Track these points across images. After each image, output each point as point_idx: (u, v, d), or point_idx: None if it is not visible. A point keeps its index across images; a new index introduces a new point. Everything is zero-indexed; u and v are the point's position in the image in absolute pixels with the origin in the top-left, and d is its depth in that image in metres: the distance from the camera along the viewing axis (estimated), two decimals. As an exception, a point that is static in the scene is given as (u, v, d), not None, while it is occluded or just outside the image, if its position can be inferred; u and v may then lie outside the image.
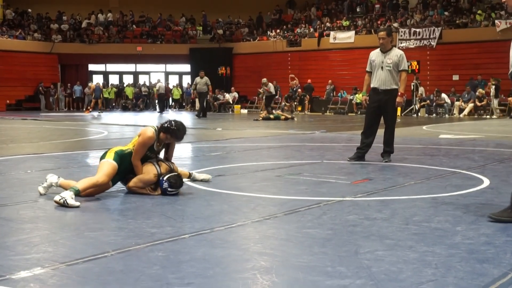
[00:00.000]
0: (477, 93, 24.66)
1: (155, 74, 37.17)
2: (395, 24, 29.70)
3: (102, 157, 5.48)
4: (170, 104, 35.67)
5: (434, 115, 24.93)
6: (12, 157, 8.75)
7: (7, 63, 32.70)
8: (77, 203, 4.80)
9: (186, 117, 23.43)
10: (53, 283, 2.95)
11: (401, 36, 28.48)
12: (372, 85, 8.17)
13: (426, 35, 28.10)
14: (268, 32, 35.14)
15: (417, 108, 25.91)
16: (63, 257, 3.37)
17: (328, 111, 28.77)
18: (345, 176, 6.75)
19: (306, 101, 29.27)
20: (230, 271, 3.18)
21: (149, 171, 5.45)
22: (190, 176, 6.23)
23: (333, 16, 34.28)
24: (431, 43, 27.92)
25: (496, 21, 26.49)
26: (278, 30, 34.70)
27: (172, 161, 5.81)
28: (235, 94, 32.22)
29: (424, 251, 3.50)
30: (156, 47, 36.07)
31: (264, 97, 24.07)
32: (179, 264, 3.25)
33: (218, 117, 24.71)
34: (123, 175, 5.53)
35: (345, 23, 32.26)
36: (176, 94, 34.93)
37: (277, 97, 31.19)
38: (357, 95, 27.85)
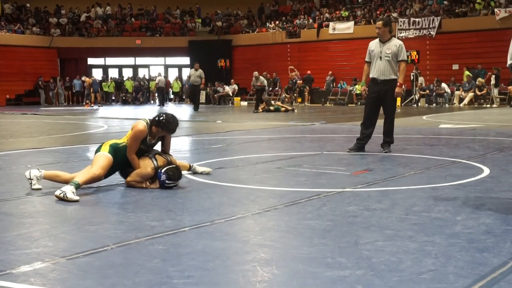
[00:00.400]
0: (477, 82, 24.64)
1: (154, 67, 37.14)
2: (394, 14, 29.65)
3: (97, 150, 5.48)
4: (170, 97, 35.65)
5: (434, 105, 24.91)
6: (12, 152, 8.76)
7: (6, 57, 32.67)
8: (77, 197, 4.81)
9: (185, 110, 23.42)
10: (53, 277, 2.96)
11: (401, 26, 28.43)
12: (371, 76, 8.16)
13: (425, 25, 28.04)
14: (267, 24, 35.08)
15: (417, 98, 25.89)
16: (63, 251, 3.38)
17: (328, 102, 28.75)
18: (345, 167, 6.75)
19: (306, 93, 29.25)
20: (230, 264, 3.19)
21: (146, 165, 5.44)
22: (190, 169, 6.23)
23: (332, 6, 34.20)
24: (431, 32, 27.87)
25: (496, 10, 26.44)
26: (277, 22, 34.63)
27: (170, 153, 5.81)
28: (235, 87, 32.17)
29: (424, 241, 3.51)
30: (155, 40, 36.02)
31: (256, 90, 23.70)
32: (179, 257, 3.26)
33: (217, 110, 24.71)
34: (117, 168, 5.54)
35: (344, 13, 32.18)
36: (176, 87, 34.90)
37: (277, 88, 31.21)
38: (356, 86, 27.82)
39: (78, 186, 4.97)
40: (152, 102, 32.73)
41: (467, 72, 25.39)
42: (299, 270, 3.02)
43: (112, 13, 37.57)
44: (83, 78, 31.93)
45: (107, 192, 5.32)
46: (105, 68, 37.78)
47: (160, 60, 37.67)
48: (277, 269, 3.03)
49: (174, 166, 5.43)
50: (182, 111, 22.55)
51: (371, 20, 29.70)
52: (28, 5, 36.94)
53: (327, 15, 32.95)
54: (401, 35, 27.63)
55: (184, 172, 6.19)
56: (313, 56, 32.05)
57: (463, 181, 5.65)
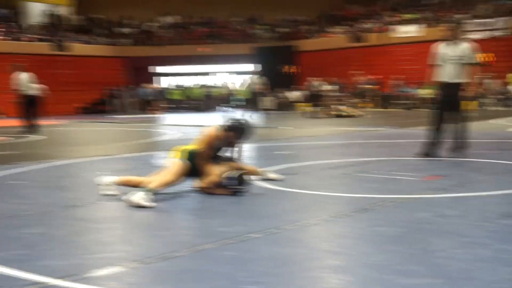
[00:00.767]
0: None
1: (219, 75, 37.56)
2: (463, 15, 28.94)
3: (171, 156, 5.58)
4: (235, 103, 35.91)
5: (505, 107, 24.14)
6: (84, 159, 9.02)
7: (77, 67, 33.78)
8: (149, 204, 4.90)
9: (252, 116, 23.49)
10: (127, 281, 3.03)
11: (470, 27, 27.71)
12: (441, 79, 7.97)
13: (495, 26, 27.24)
14: (331, 29, 34.90)
15: (487, 102, 25.16)
16: (137, 256, 3.45)
17: (395, 107, 28.31)
18: (415, 172, 6.62)
19: (373, 97, 28.91)
20: (299, 270, 3.18)
21: (215, 172, 5.48)
22: (260, 174, 6.24)
23: (396, 9, 33.69)
24: (501, 33, 27.05)
25: None
26: (341, 26, 34.41)
27: (240, 159, 5.84)
28: (300, 92, 32.10)
29: (500, 249, 3.40)
30: (220, 47, 36.41)
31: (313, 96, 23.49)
32: (249, 263, 3.27)
33: (284, 116, 24.72)
34: (189, 174, 5.62)
35: (409, 16, 31.62)
36: (240, 93, 35.14)
37: (342, 94, 30.98)
38: (424, 89, 27.31)
39: (151, 192, 5.09)
40: (217, 109, 33.02)
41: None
42: (369, 277, 2.98)
43: (178, 22, 38.22)
44: (146, 86, 32.65)
45: (178, 198, 5.40)
46: (171, 76, 38.50)
47: (225, 67, 38.07)
48: (346, 276, 3.01)
49: (240, 172, 5.42)
50: (247, 118, 22.66)
51: (438, 22, 29.07)
52: (98, 16, 38.05)
53: (391, 18, 32.49)
54: (470, 36, 26.95)
55: (253, 177, 6.22)
56: (378, 60, 31.66)
57: (539, 187, 5.45)
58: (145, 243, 3.79)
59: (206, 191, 5.49)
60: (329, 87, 29.50)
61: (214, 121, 5.81)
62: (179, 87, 36.65)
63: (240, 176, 5.36)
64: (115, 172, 7.14)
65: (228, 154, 5.83)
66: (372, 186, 5.79)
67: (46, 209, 4.97)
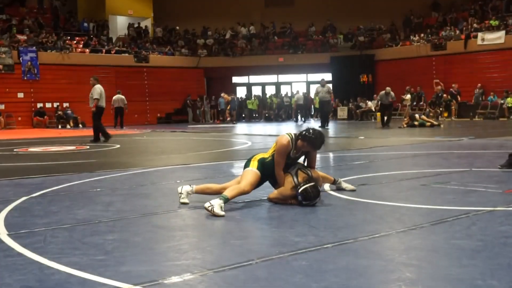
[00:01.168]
0: None
1: (296, 84, 37.61)
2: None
3: (246, 165, 5.63)
4: (312, 113, 35.86)
5: None
6: (163, 168, 9.23)
7: (157, 78, 34.69)
8: (223, 213, 4.95)
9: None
10: (201, 289, 3.07)
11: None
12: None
13: None
14: (411, 37, 34.31)
15: None
16: (210, 263, 3.49)
17: (476, 116, 27.50)
18: (497, 184, 6.39)
19: (453, 107, 28.17)
20: (374, 282, 3.13)
21: (287, 185, 5.46)
22: (335, 182, 6.19)
23: (481, 16, 32.73)
24: None
25: None
26: (421, 34, 33.76)
27: (315, 168, 5.81)
28: (375, 102, 31.74)
29: None
30: (298, 57, 36.48)
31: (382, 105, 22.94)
32: (323, 273, 3.25)
33: (360, 125, 24.47)
34: (263, 182, 5.66)
35: (494, 23, 30.65)
36: (314, 103, 35.08)
37: (421, 103, 30.39)
38: (508, 98, 26.40)
39: (226, 201, 5.14)
40: (294, 118, 33.10)
41: None
42: (448, 291, 2.90)
43: (255, 32, 38.59)
44: (222, 95, 33.12)
45: (251, 207, 5.43)
46: (248, 86, 38.88)
47: (302, 77, 38.10)
48: (423, 289, 2.94)
49: (312, 184, 5.35)
50: (320, 127, 22.58)
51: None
52: (177, 27, 38.95)
53: (475, 25, 31.57)
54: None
55: (327, 187, 6.18)
56: (460, 68, 30.85)
57: None
58: (219, 252, 3.83)
59: (277, 202, 5.49)
60: (407, 97, 29.02)
61: (287, 130, 5.81)
62: (255, 96, 36.96)
63: (309, 189, 5.29)
64: (193, 181, 7.28)
65: (301, 163, 5.81)
66: (450, 198, 5.63)
67: (127, 216, 5.11)
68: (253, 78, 38.82)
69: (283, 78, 38.36)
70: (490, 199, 5.49)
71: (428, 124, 20.92)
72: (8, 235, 4.42)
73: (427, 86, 30.40)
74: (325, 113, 23.64)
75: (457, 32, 32.18)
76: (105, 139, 16.32)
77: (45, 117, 31.06)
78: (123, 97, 28.20)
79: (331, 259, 3.54)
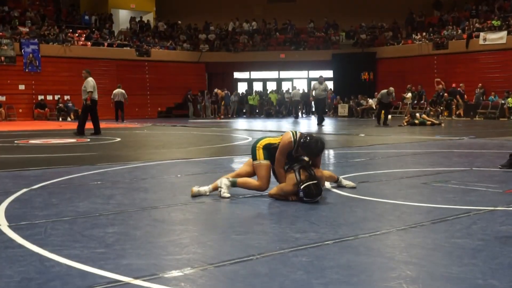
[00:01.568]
0: None
1: (298, 81, 37.59)
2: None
3: (253, 155, 5.73)
4: (313, 109, 35.80)
5: None
6: (163, 162, 9.23)
7: (159, 72, 34.67)
8: (227, 195, 5.39)
9: (327, 123, 23.38)
10: (202, 283, 3.07)
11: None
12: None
13: None
14: (413, 35, 34.27)
15: None
16: (211, 258, 3.50)
17: (477, 116, 27.49)
18: (497, 184, 6.40)
19: (454, 106, 28.16)
20: (375, 279, 3.13)
21: (290, 181, 5.44)
22: (337, 180, 6.19)
23: (483, 16, 32.69)
24: None
25: None
26: (423, 33, 33.72)
27: (319, 167, 5.77)
28: (375, 100, 31.72)
29: None
30: (299, 53, 36.44)
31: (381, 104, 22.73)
32: (323, 270, 3.25)
33: (361, 123, 24.47)
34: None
35: (496, 23, 30.62)
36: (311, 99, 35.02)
37: (422, 102, 30.38)
38: (509, 98, 26.39)
39: (234, 185, 5.55)
40: (294, 115, 33.04)
41: None
42: (448, 290, 2.90)
43: (258, 28, 38.54)
44: (215, 90, 33.17)
45: (252, 202, 5.44)
46: (249, 81, 38.85)
47: (303, 73, 38.07)
48: (424, 287, 2.94)
49: (314, 182, 5.34)
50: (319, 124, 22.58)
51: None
52: (179, 22, 38.89)
53: (477, 25, 31.54)
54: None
55: (328, 185, 6.18)
56: (461, 68, 30.84)
57: None
58: (220, 246, 3.83)
59: (277, 198, 5.48)
60: (408, 95, 29.02)
61: (286, 128, 5.80)
62: (256, 92, 36.95)
63: (311, 186, 5.28)
64: (194, 175, 7.29)
65: (306, 160, 5.77)
66: (451, 197, 5.64)
67: (127, 209, 5.12)
68: (255, 74, 38.78)
69: (284, 74, 38.32)
70: (490, 199, 5.49)
71: (429, 122, 20.91)
72: (8, 226, 4.42)
73: (428, 84, 30.37)
74: (319, 110, 23.21)
75: (459, 31, 32.13)
76: (95, 133, 16.39)
77: (46, 109, 31.05)
78: (123, 91, 28.22)
79: (332, 256, 3.55)
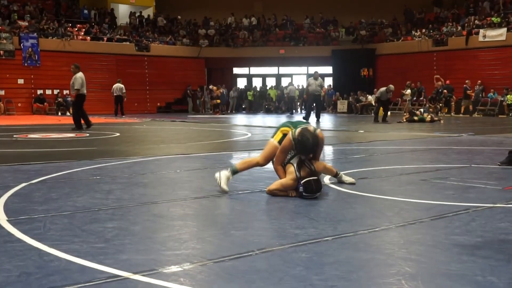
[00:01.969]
0: None
1: (297, 77, 37.57)
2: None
3: (275, 132, 5.83)
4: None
5: None
6: (162, 157, 9.22)
7: (158, 67, 34.64)
8: (227, 189, 5.37)
9: (326, 119, 23.40)
10: (201, 278, 3.07)
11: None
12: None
13: None
14: (413, 32, 34.24)
15: None
16: (210, 254, 3.49)
17: (476, 113, 27.49)
18: (496, 181, 6.40)
19: (453, 102, 28.17)
20: (374, 276, 3.13)
21: (289, 176, 5.44)
22: (337, 175, 6.19)
23: (483, 13, 32.66)
24: None
25: None
26: (423, 30, 33.70)
27: (319, 160, 5.78)
28: (374, 96, 31.71)
29: None
30: (299, 49, 36.42)
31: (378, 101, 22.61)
32: (323, 266, 3.25)
33: (360, 119, 24.47)
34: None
35: (496, 20, 30.60)
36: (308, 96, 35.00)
37: (421, 98, 30.39)
38: (508, 95, 26.41)
39: (235, 173, 5.58)
40: (294, 110, 33.07)
41: None
42: (446, 286, 2.90)
43: (257, 24, 38.49)
44: (210, 87, 33.16)
45: (252, 198, 5.44)
46: (249, 77, 38.82)
47: (303, 69, 38.05)
48: (423, 284, 2.94)
49: (315, 178, 5.34)
50: (323, 121, 22.56)
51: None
52: (179, 17, 38.83)
53: (477, 21, 31.53)
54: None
55: (327, 180, 6.18)
56: (461, 64, 30.84)
57: None
58: (219, 242, 3.83)
59: (277, 193, 5.47)
60: (407, 92, 29.02)
61: (289, 124, 5.77)
62: (255, 88, 36.92)
63: (311, 182, 5.28)
64: (193, 171, 7.29)
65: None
66: (450, 194, 5.64)
67: (127, 204, 5.11)
68: (254, 70, 38.75)
69: (284, 70, 38.30)
70: (489, 196, 5.49)
71: (428, 118, 20.91)
72: (7, 220, 4.42)
73: (427, 81, 30.37)
74: (310, 107, 22.85)
75: (459, 28, 32.11)
76: (87, 126, 16.40)
77: (45, 103, 31.03)
78: (122, 86, 28.20)
79: (331, 252, 3.55)
